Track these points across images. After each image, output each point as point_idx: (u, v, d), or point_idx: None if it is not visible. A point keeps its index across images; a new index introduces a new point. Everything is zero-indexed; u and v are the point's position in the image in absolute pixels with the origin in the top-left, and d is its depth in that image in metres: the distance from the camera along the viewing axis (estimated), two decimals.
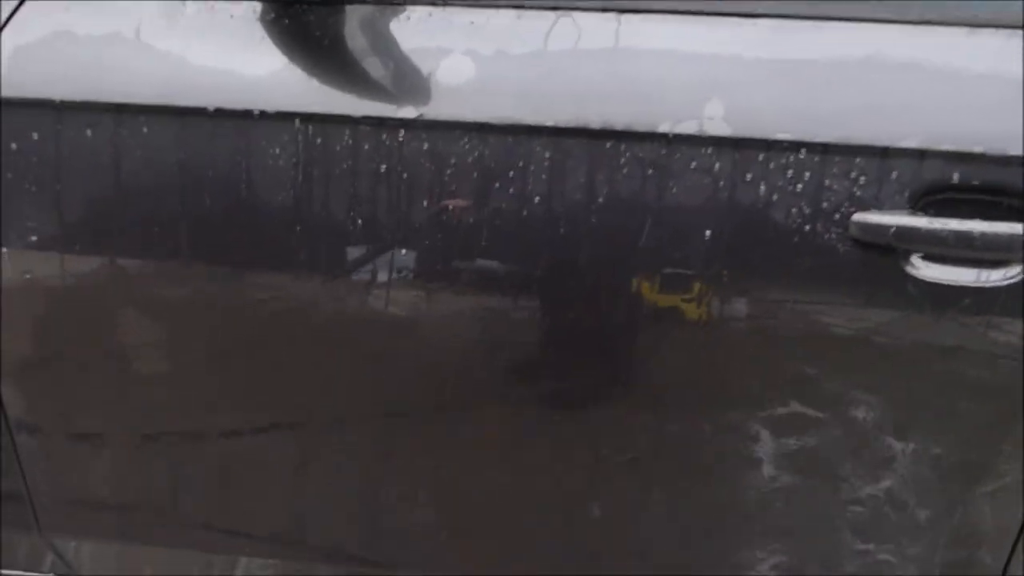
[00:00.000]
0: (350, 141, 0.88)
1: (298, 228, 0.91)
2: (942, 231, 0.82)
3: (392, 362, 0.99)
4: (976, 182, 0.83)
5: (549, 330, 0.94)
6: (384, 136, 0.87)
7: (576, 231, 0.88)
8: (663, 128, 0.84)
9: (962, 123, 0.83)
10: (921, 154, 0.83)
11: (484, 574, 1.12)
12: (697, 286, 0.89)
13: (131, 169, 0.91)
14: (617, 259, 0.89)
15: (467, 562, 1.12)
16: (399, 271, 0.91)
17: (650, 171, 0.86)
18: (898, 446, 0.94)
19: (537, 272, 0.91)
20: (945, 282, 0.85)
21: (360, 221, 0.90)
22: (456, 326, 0.95)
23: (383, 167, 0.88)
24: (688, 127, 0.84)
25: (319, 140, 0.88)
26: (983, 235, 0.82)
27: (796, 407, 0.94)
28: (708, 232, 0.87)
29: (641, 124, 0.84)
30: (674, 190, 0.86)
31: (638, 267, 0.89)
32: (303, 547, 1.14)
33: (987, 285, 0.85)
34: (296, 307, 0.96)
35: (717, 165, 0.85)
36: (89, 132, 0.90)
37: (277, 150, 0.88)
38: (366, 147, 0.88)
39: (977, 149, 0.82)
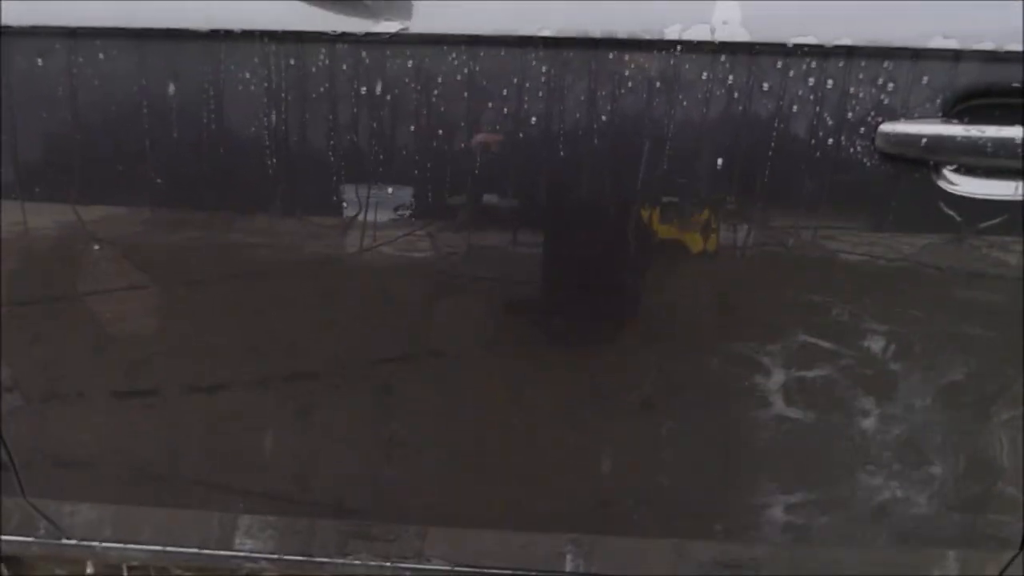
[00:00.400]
0: (326, 61, 0.80)
1: (273, 160, 0.83)
2: (979, 139, 0.75)
3: (386, 306, 0.92)
4: (1016, 84, 0.75)
5: (549, 264, 0.87)
6: (364, 54, 0.79)
7: (576, 153, 0.81)
8: (671, 35, 0.76)
9: (1001, 19, 0.75)
10: (956, 55, 0.75)
11: (490, 525, 1.08)
12: (709, 210, 0.82)
13: (88, 100, 0.83)
14: (622, 183, 0.82)
15: (472, 511, 1.08)
16: (383, 204, 0.84)
17: (657, 83, 0.78)
18: (930, 377, 0.89)
19: (536, 199, 0.84)
20: (981, 196, 0.79)
21: (340, 150, 0.82)
22: (445, 262, 0.88)
23: (363, 89, 0.80)
24: (698, 32, 0.76)
25: (292, 61, 0.80)
26: None
27: (814, 340, 0.88)
28: (722, 148, 0.79)
29: (646, 31, 0.76)
30: (684, 103, 0.78)
31: (645, 191, 0.82)
32: (304, 503, 1.09)
33: None
34: (278, 249, 0.89)
35: (731, 75, 0.77)
36: (40, 61, 0.82)
37: (247, 74, 0.81)
38: (344, 67, 0.80)
39: (1016, 47, 0.74)
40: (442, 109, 0.80)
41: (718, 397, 0.94)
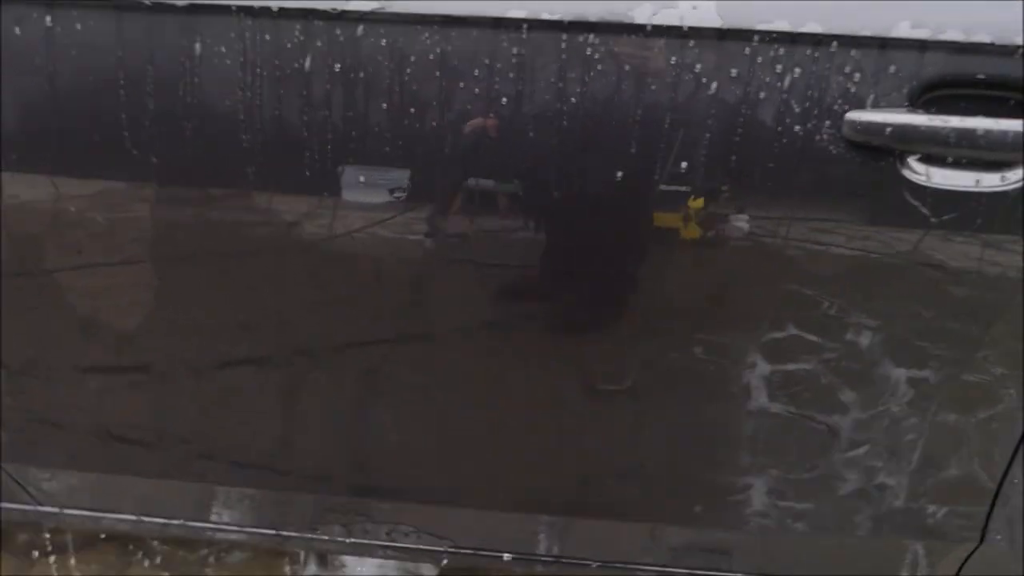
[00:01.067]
0: (301, 38, 0.80)
1: (245, 136, 0.84)
2: (943, 129, 0.76)
3: (366, 286, 0.93)
4: (981, 75, 0.76)
5: (521, 248, 0.88)
6: (338, 32, 0.80)
7: (546, 137, 0.82)
8: (640, 19, 0.77)
9: (968, 10, 0.76)
10: (922, 45, 0.76)
11: (473, 503, 1.09)
12: (673, 198, 0.82)
13: (65, 71, 0.83)
14: (590, 168, 0.83)
15: (455, 488, 1.09)
16: (356, 184, 0.85)
17: (626, 68, 0.79)
18: (895, 370, 0.90)
19: (506, 183, 0.85)
20: (944, 186, 0.79)
21: (313, 128, 0.83)
22: (416, 244, 0.88)
23: (337, 67, 0.81)
24: (667, 17, 0.77)
25: (267, 37, 0.81)
26: (987, 133, 0.76)
27: (784, 331, 0.89)
28: (687, 136, 0.80)
29: (615, 14, 0.77)
30: (653, 87, 0.79)
31: (612, 178, 0.82)
32: (284, 476, 1.10)
33: (987, 190, 0.79)
34: (249, 226, 0.90)
35: (698, 63, 0.78)
36: (17, 30, 0.83)
37: (222, 48, 0.81)
38: (318, 44, 0.80)
39: (983, 39, 0.75)
40: (414, 88, 0.81)
41: (689, 385, 0.95)
